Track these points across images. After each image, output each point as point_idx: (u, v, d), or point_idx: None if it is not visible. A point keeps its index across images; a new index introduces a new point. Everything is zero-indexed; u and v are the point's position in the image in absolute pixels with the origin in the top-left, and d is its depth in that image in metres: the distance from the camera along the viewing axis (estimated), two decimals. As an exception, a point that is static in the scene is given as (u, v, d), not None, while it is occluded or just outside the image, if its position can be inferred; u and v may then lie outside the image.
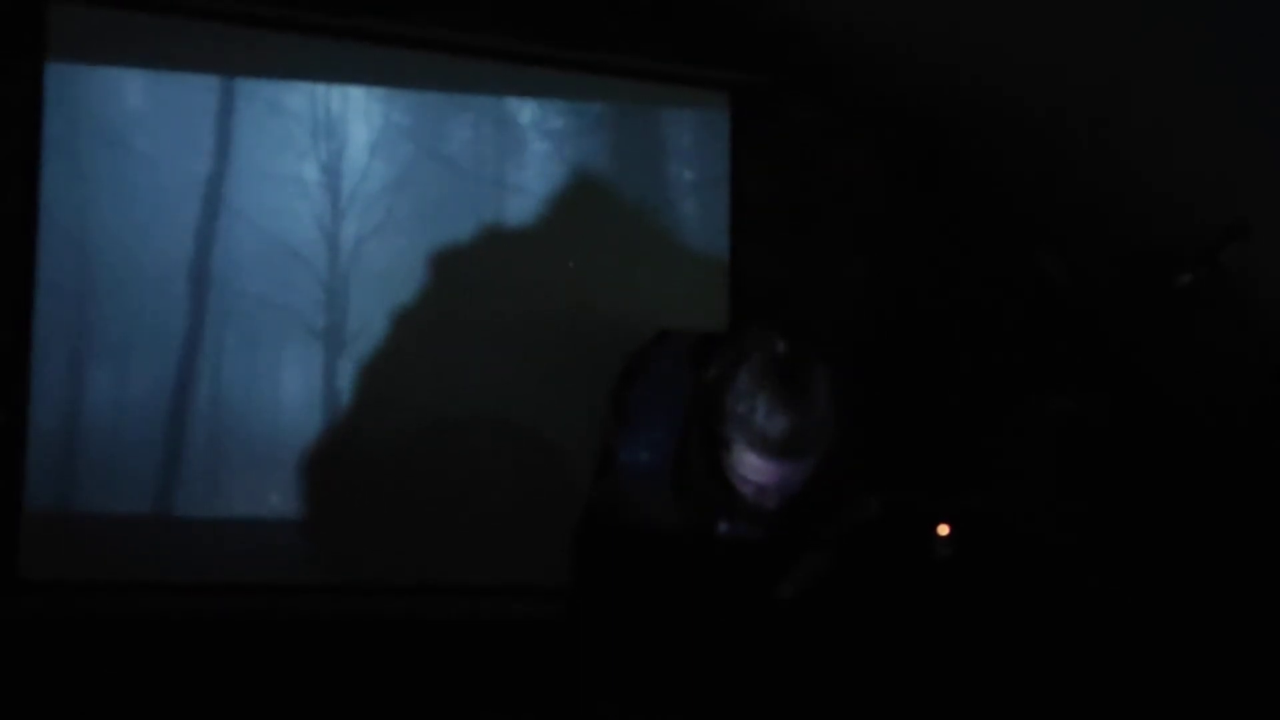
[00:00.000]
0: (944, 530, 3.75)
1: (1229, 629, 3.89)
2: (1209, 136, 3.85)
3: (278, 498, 4.15)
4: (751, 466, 2.39)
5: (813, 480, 2.49)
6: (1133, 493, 4.18)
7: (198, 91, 4.16)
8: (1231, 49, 3.56)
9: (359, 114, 4.33)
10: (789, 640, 3.00)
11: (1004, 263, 4.60)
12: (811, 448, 2.38)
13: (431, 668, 4.12)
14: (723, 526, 2.63)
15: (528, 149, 4.49)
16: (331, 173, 4.29)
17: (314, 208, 4.25)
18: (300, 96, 4.27)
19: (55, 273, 3.97)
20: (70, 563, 3.93)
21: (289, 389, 4.19)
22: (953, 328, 4.72)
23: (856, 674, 3.62)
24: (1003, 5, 3.91)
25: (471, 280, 4.37)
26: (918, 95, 4.57)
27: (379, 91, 4.34)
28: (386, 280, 4.29)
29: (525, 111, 4.52)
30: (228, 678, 3.95)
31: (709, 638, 2.79)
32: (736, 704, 2.85)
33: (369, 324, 4.27)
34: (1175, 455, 4.24)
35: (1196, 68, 3.69)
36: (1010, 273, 4.51)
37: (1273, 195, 3.76)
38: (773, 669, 2.93)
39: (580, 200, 4.50)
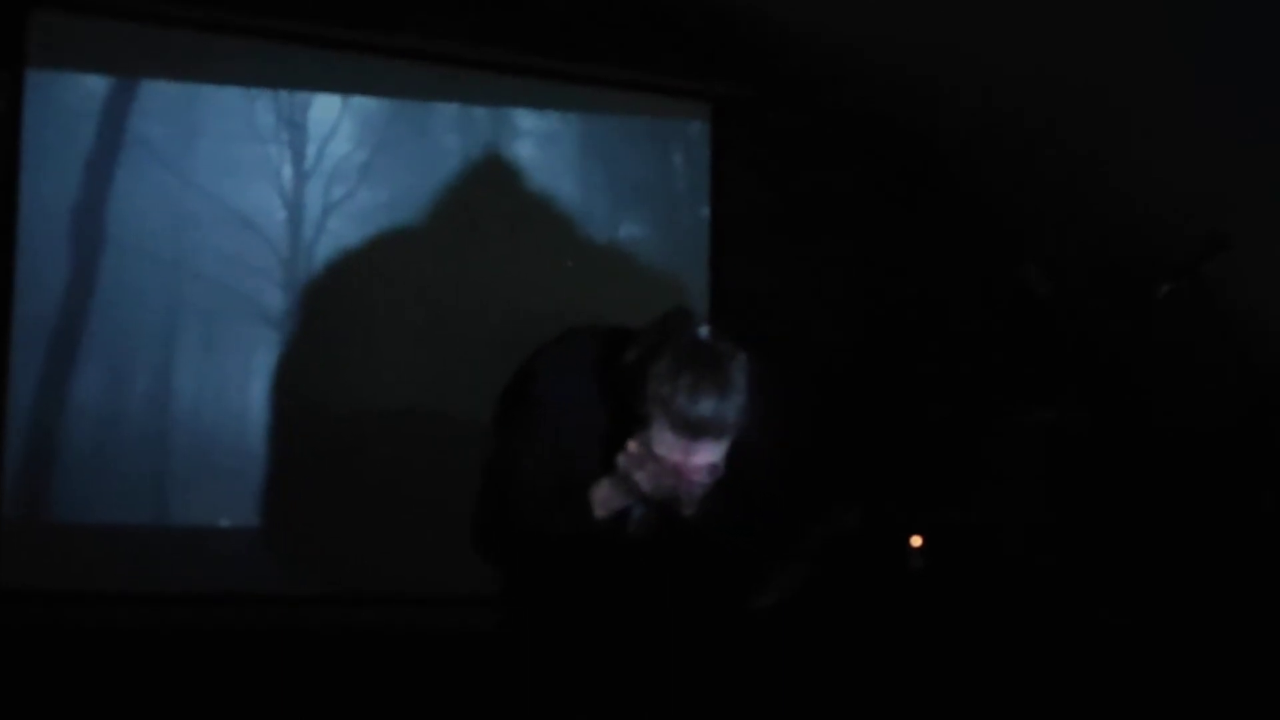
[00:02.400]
0: (917, 541, 3.75)
1: (1211, 639, 3.88)
2: (1190, 150, 3.86)
3: (251, 506, 4.14)
4: (669, 445, 2.42)
5: (755, 482, 2.56)
6: (1114, 503, 4.18)
7: (178, 99, 4.15)
8: (1217, 65, 3.57)
9: (340, 123, 4.33)
10: (764, 649, 3.00)
11: (986, 274, 4.60)
12: (729, 430, 2.42)
13: (415, 678, 4.10)
14: (635, 512, 2.65)
15: (512, 159, 4.49)
16: (313, 184, 4.29)
17: (294, 216, 4.25)
18: (286, 106, 4.27)
19: (34, 277, 3.96)
20: (45, 571, 3.91)
21: (258, 394, 4.17)
22: (935, 339, 4.72)
23: (832, 683, 3.62)
24: (987, 19, 3.92)
25: (452, 288, 4.37)
26: (901, 107, 4.58)
27: (360, 100, 4.34)
28: (370, 289, 4.30)
29: (509, 121, 4.52)
30: (207, 687, 3.92)
31: (645, 643, 2.78)
32: (711, 713, 2.84)
33: (349, 328, 4.27)
34: (1157, 465, 4.24)
35: (1180, 84, 3.71)
36: (993, 284, 4.51)
37: (1253, 207, 3.77)
38: (747, 677, 2.92)
39: (561, 209, 4.50)
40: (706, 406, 2.38)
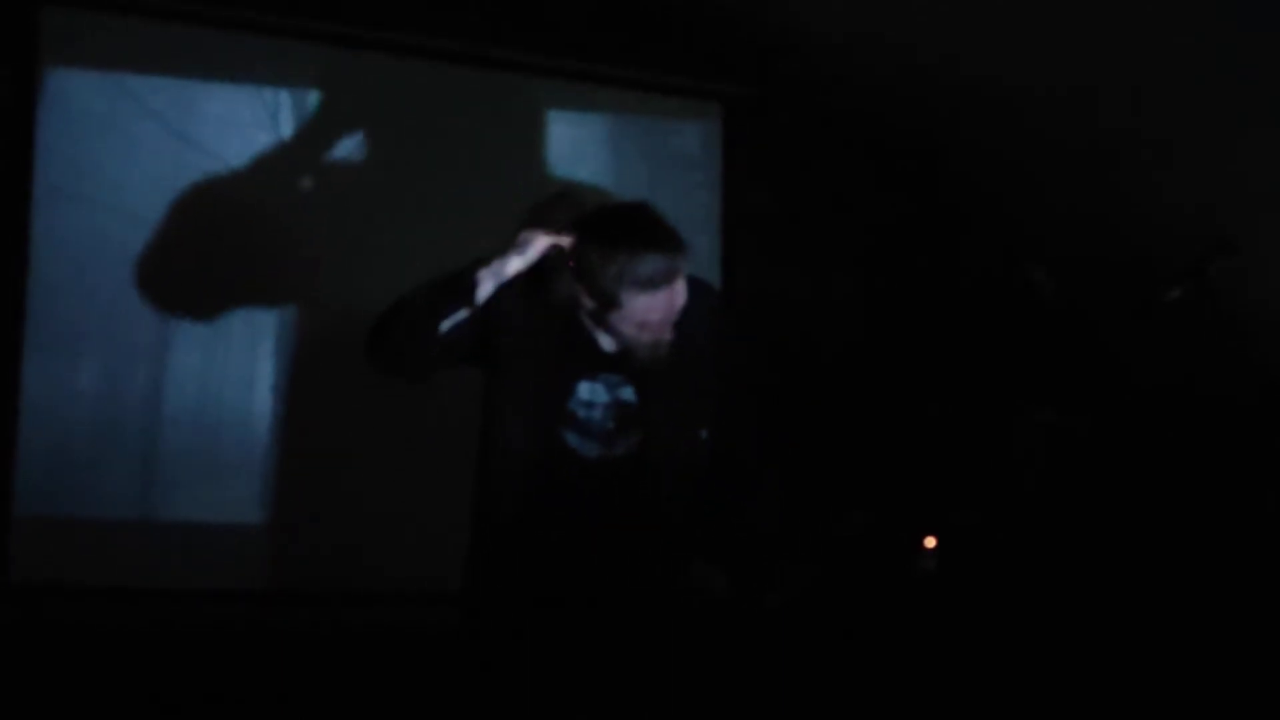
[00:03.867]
0: (930, 543, 3.76)
1: (1216, 640, 3.89)
2: (1195, 151, 3.86)
3: (250, 502, 4.15)
4: (644, 307, 2.59)
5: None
6: (1119, 505, 4.18)
7: (192, 95, 4.16)
8: (1224, 68, 3.58)
9: (350, 121, 4.33)
10: (775, 649, 3.01)
11: (994, 275, 4.61)
12: (681, 265, 2.60)
13: (411, 676, 4.10)
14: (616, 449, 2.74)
15: (521, 159, 4.49)
16: (321, 181, 4.29)
17: (304, 213, 4.27)
18: (293, 102, 4.28)
19: (46, 272, 3.97)
20: (54, 567, 3.93)
21: (261, 393, 4.19)
22: (941, 339, 4.73)
23: (841, 684, 3.63)
24: (994, 18, 3.92)
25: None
26: (910, 107, 4.58)
27: (371, 99, 4.35)
28: (374, 284, 4.29)
29: (518, 121, 4.53)
30: (206, 683, 3.92)
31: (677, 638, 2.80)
32: (722, 712, 2.85)
33: (348, 326, 4.27)
34: (1161, 467, 4.24)
35: (1188, 86, 3.71)
36: (1000, 285, 4.52)
37: (1262, 211, 3.77)
38: (758, 677, 2.93)
39: (572, 209, 4.50)
40: (654, 257, 2.56)
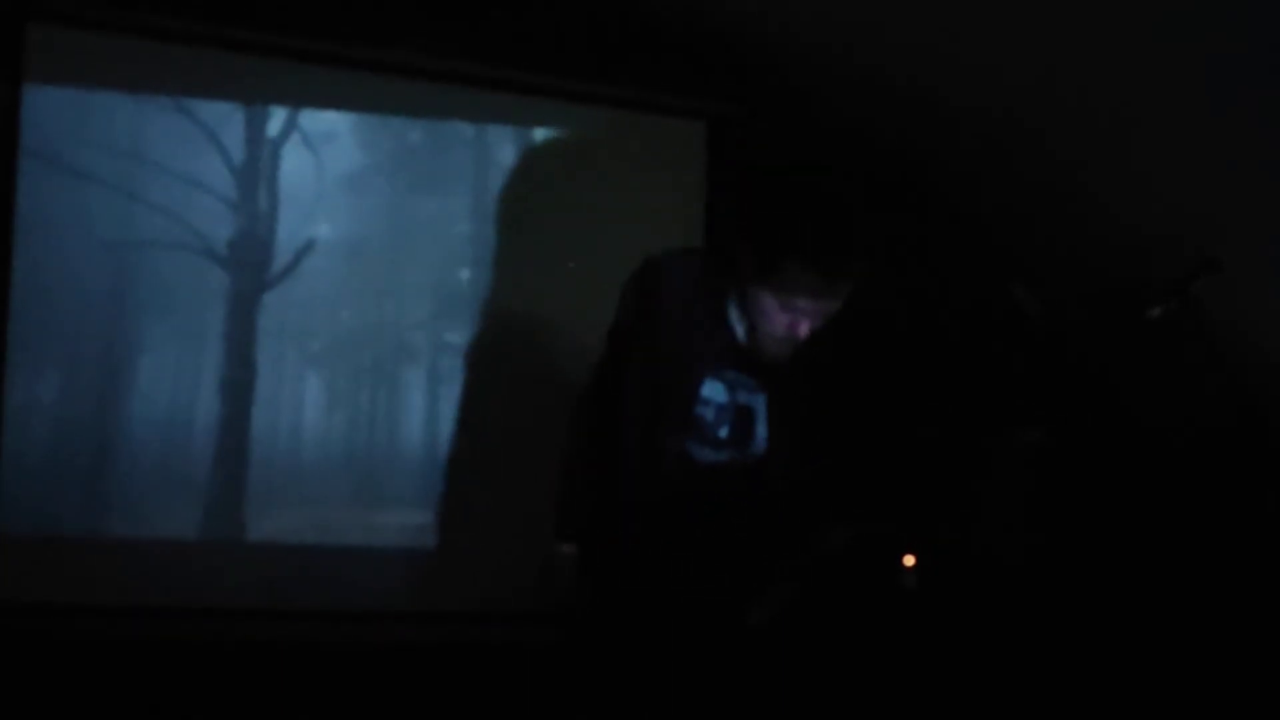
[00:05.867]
0: (909, 560, 3.76)
1: (1202, 656, 3.89)
2: (1182, 167, 3.88)
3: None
4: (773, 313, 2.59)
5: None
6: (1103, 524, 4.19)
7: (176, 114, 4.17)
8: (1211, 88, 3.59)
9: (334, 139, 4.33)
10: (757, 667, 3.00)
11: (978, 293, 4.61)
12: (829, 299, 2.64)
13: (380, 695, 4.08)
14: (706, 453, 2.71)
15: (503, 176, 4.49)
16: (306, 199, 4.29)
17: (294, 229, 4.26)
18: (276, 121, 4.28)
19: (29, 288, 3.97)
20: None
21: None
22: (925, 357, 4.73)
23: (824, 702, 3.61)
24: (983, 36, 3.93)
25: (438, 302, 4.37)
26: (895, 127, 4.59)
27: (354, 116, 4.35)
28: (358, 298, 4.31)
29: (502, 138, 4.52)
30: (167, 702, 3.90)
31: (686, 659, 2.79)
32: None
33: (338, 342, 4.28)
34: (1146, 486, 4.25)
35: (1174, 99, 3.72)
36: (984, 303, 4.53)
37: (1246, 230, 3.78)
38: (741, 695, 2.92)
39: (553, 227, 4.51)
40: (804, 281, 2.56)
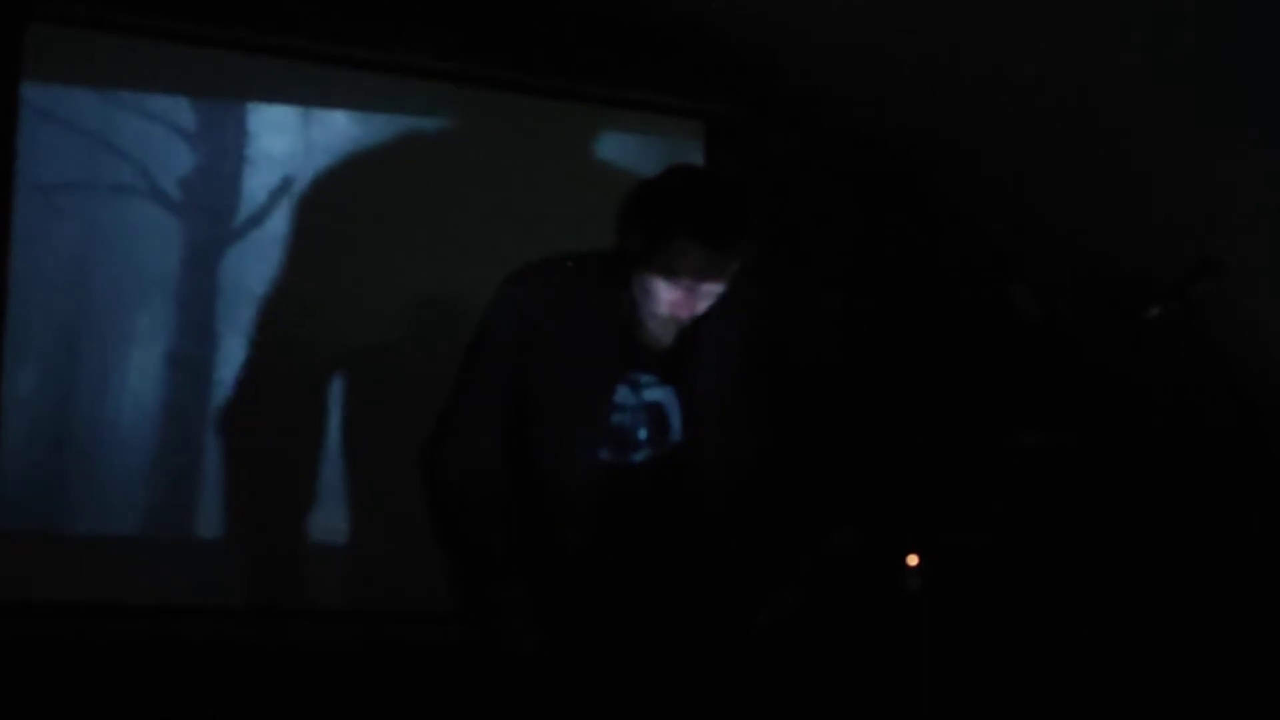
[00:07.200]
0: (913, 561, 3.77)
1: (1202, 656, 3.90)
2: (1182, 170, 3.88)
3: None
4: (662, 291, 2.57)
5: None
6: (1104, 525, 4.19)
7: (173, 112, 4.17)
8: (1211, 88, 3.59)
9: (333, 137, 4.33)
10: (762, 669, 3.00)
11: (978, 296, 4.62)
12: (719, 273, 2.58)
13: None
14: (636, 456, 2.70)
15: (500, 177, 4.49)
16: (305, 196, 4.28)
17: (291, 229, 4.26)
18: (275, 120, 4.27)
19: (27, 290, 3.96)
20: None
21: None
22: (926, 360, 4.73)
23: (828, 703, 3.62)
24: (982, 39, 3.94)
25: (430, 303, 4.37)
26: (894, 128, 4.59)
27: (352, 115, 4.35)
28: (351, 299, 4.30)
29: (499, 139, 4.52)
30: (165, 701, 3.87)
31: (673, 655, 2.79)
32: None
33: (329, 337, 4.28)
34: (1146, 487, 4.25)
35: (1174, 103, 3.73)
36: (984, 306, 4.53)
37: (1245, 231, 3.79)
38: (746, 697, 2.93)
39: (552, 228, 4.50)
40: (693, 254, 2.53)
